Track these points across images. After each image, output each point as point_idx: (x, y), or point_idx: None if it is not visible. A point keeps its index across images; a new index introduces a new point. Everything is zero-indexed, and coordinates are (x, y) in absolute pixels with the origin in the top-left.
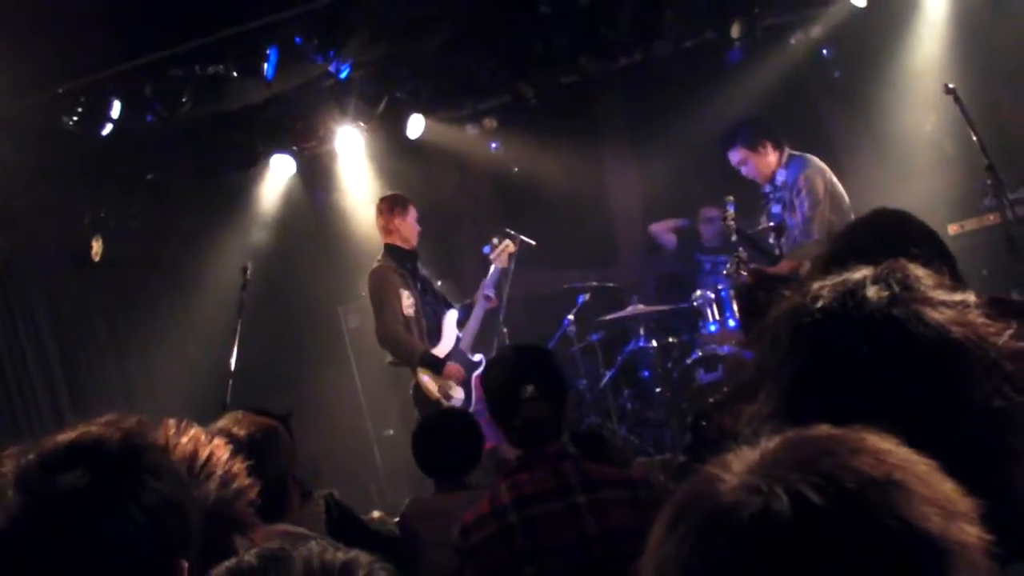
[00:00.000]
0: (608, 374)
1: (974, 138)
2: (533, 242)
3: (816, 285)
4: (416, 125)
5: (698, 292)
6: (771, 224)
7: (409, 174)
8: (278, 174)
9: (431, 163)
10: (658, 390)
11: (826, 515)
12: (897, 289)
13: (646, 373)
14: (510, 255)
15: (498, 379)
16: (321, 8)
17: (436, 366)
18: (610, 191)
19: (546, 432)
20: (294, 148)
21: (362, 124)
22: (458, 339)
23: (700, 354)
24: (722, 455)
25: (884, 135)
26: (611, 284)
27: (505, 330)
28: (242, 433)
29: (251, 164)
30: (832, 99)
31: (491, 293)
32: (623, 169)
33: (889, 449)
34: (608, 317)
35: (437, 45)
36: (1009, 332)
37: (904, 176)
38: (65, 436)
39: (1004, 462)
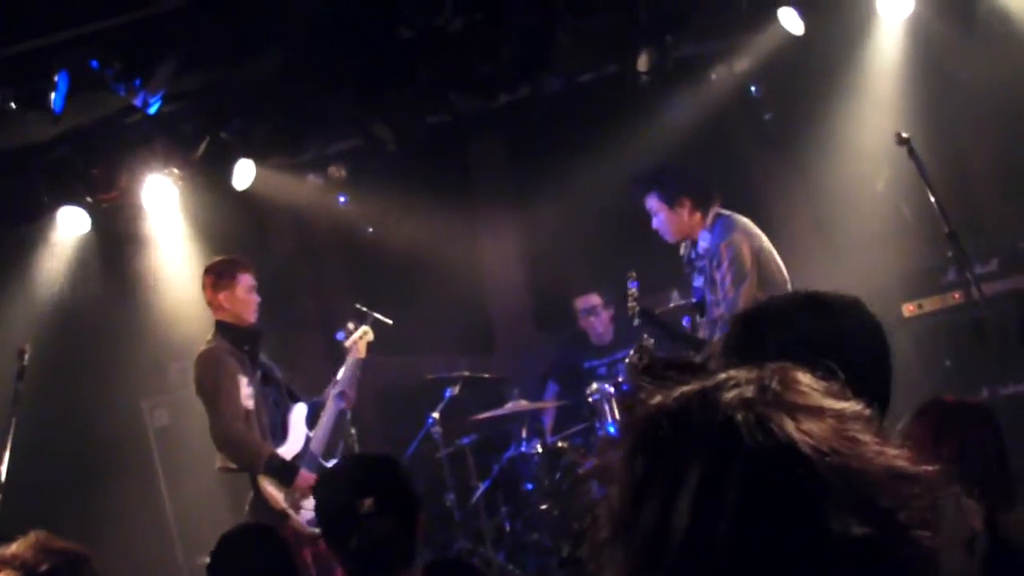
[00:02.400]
0: (482, 486)
1: (932, 199)
2: (389, 321)
3: (681, 384)
4: (244, 173)
5: (594, 386)
6: (692, 301)
7: (235, 235)
8: (68, 232)
9: (263, 221)
10: (544, 507)
11: None
12: (752, 392)
13: (529, 485)
14: (369, 344)
15: (331, 493)
16: (124, 25)
17: (286, 475)
18: (485, 259)
19: (389, 556)
20: (88, 200)
21: (176, 171)
22: (307, 439)
23: (596, 462)
24: None
25: (825, 192)
26: (486, 375)
27: (354, 431)
28: (41, 565)
29: (33, 218)
30: (762, 147)
31: (348, 390)
32: (502, 232)
33: None
34: (483, 416)
35: (271, 73)
36: (899, 452)
37: (849, 243)
38: None
39: None
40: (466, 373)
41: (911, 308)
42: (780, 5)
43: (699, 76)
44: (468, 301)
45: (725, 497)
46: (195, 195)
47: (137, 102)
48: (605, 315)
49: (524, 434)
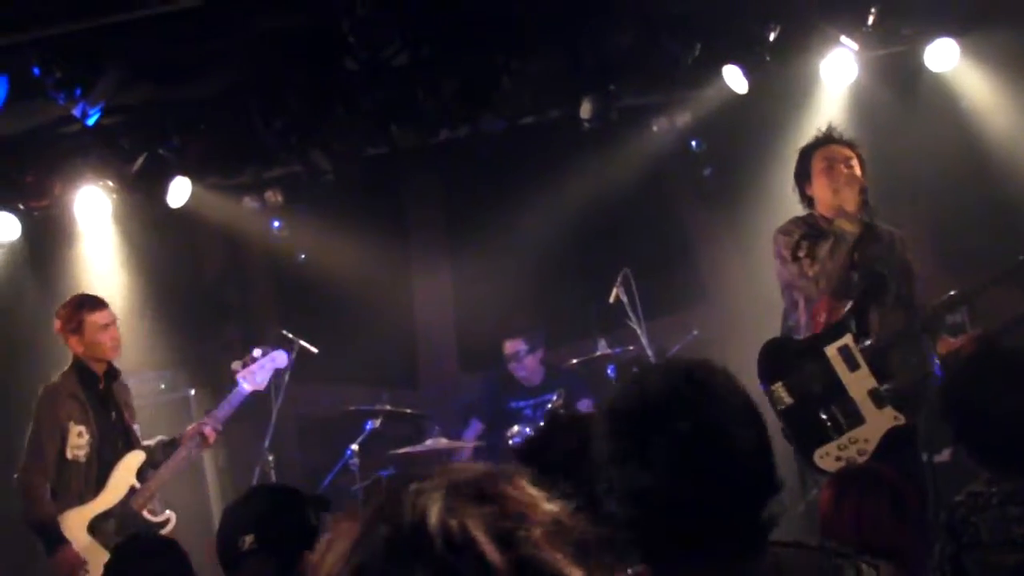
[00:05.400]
0: None
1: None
2: (314, 349)
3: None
4: (180, 191)
5: (515, 428)
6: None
7: (165, 251)
8: None
9: (195, 240)
10: None
11: None
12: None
13: None
14: (279, 371)
15: (221, 530)
16: (68, 33)
17: (48, 543)
18: (416, 293)
19: None
20: (20, 206)
21: (111, 184)
22: (131, 491)
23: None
24: None
25: (757, 251)
26: (408, 410)
27: (271, 458)
28: None
29: None
30: (699, 202)
31: (214, 427)
32: (434, 269)
33: None
34: (401, 451)
35: (214, 94)
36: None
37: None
38: None
39: None
40: (388, 407)
41: None
42: (725, 63)
43: (640, 127)
44: (395, 335)
45: None
46: (128, 209)
47: (76, 112)
48: (530, 360)
49: None
